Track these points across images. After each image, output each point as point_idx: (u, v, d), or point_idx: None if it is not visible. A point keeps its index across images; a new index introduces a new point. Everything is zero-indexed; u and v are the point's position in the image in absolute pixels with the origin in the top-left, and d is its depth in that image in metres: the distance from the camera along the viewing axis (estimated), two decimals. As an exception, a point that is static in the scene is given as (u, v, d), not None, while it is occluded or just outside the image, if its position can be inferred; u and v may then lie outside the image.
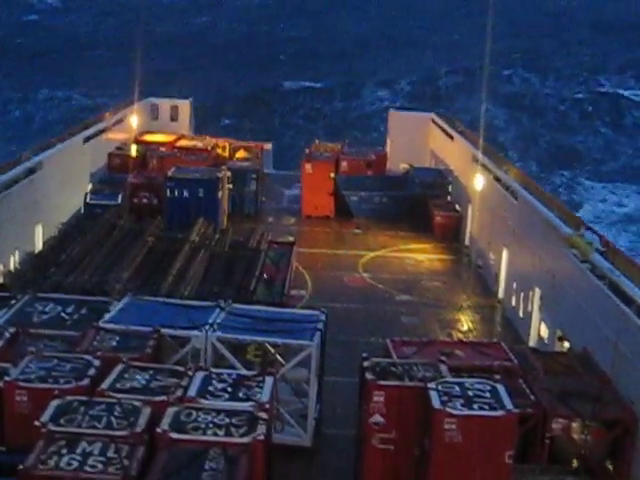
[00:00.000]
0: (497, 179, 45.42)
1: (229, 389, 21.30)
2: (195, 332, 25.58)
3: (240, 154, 64.86)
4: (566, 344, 31.47)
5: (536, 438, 24.34)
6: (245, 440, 18.74)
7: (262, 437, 18.91)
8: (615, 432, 24.63)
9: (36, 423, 18.85)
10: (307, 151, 61.98)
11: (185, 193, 46.51)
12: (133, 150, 61.53)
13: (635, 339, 25.43)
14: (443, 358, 25.07)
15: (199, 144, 65.25)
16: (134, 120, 65.64)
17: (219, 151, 64.51)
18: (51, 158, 45.15)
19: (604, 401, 25.27)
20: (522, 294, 38.18)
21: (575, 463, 23.84)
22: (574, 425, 24.46)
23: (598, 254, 30.35)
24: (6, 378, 21.36)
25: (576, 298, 30.79)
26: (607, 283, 28.27)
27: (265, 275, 36.89)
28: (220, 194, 47.77)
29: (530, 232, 38.09)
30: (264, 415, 19.86)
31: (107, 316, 26.51)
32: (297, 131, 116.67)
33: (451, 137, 60.16)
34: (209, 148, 63.51)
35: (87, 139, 53.88)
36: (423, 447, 21.94)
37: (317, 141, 67.59)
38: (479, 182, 47.22)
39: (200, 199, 46.52)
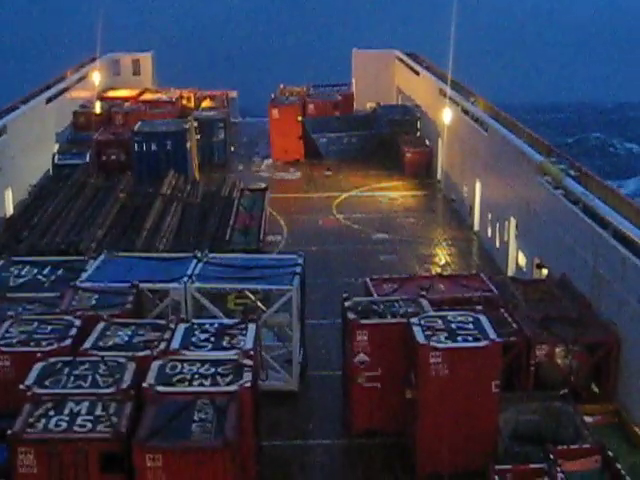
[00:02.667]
0: (465, 112, 45.29)
1: (212, 339, 21.28)
2: (174, 284, 25.48)
3: (206, 104, 64.42)
4: (545, 271, 31.58)
5: (521, 366, 24.49)
6: (232, 388, 18.75)
7: (248, 384, 18.93)
8: (598, 355, 24.80)
9: (21, 387, 18.79)
10: (272, 96, 61.58)
11: (153, 147, 46.24)
12: (97, 107, 61.00)
13: (612, 261, 25.51)
14: (424, 293, 25.15)
15: (163, 96, 64.75)
16: (96, 77, 64.93)
17: (184, 102, 64.05)
18: (15, 121, 44.61)
19: (586, 325, 25.45)
20: (498, 224, 38.23)
21: (560, 388, 23.98)
22: (557, 350, 24.62)
23: (570, 179, 30.34)
24: (-13, 344, 21.27)
25: (552, 224, 30.83)
26: (581, 207, 28.31)
27: (240, 223, 36.77)
28: (188, 145, 47.49)
29: (502, 162, 38.06)
30: (249, 362, 19.86)
31: (84, 275, 26.36)
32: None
33: (417, 73, 59.89)
34: (174, 100, 63.04)
35: (50, 99, 53.22)
36: (410, 383, 22.02)
37: (282, 85, 67.12)
38: (447, 116, 47.11)
39: (168, 151, 46.28)
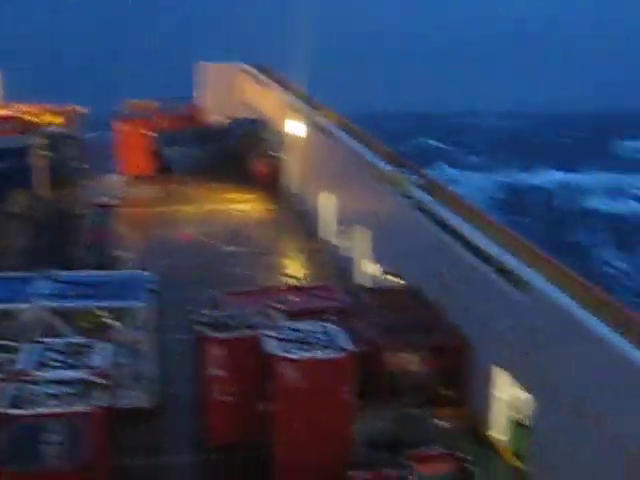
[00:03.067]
0: (314, 124, 45.63)
1: (64, 358, 20.92)
2: (22, 305, 24.94)
3: (54, 119, 63.19)
4: (395, 279, 32.03)
5: (374, 374, 24.78)
6: (85, 408, 18.48)
7: (102, 403, 18.69)
8: (449, 360, 25.30)
9: None
10: (121, 111, 60.89)
11: (-2, 164, 45.22)
12: (-61, 126, 59.22)
13: (460, 269, 26.11)
14: (276, 305, 25.22)
15: (9, 112, 63.26)
16: (-64, 93, 63.17)
17: (31, 118, 62.70)
18: None
19: (436, 331, 25.96)
20: (348, 235, 38.60)
21: (413, 394, 24.39)
22: (409, 358, 25.01)
23: (418, 188, 30.89)
24: None
25: (401, 234, 31.34)
26: (429, 216, 28.85)
27: (90, 239, 36.24)
28: (34, 161, 46.54)
29: (351, 173, 38.46)
30: (102, 381, 19.61)
31: None
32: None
33: (265, 85, 60.09)
34: (21, 115, 61.63)
35: None
36: (266, 395, 22.07)
37: (129, 100, 66.39)
38: (296, 128, 47.39)
39: (15, 169, 45.28)
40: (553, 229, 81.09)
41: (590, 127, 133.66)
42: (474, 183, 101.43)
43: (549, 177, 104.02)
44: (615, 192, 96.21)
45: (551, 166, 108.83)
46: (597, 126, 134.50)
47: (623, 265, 75.33)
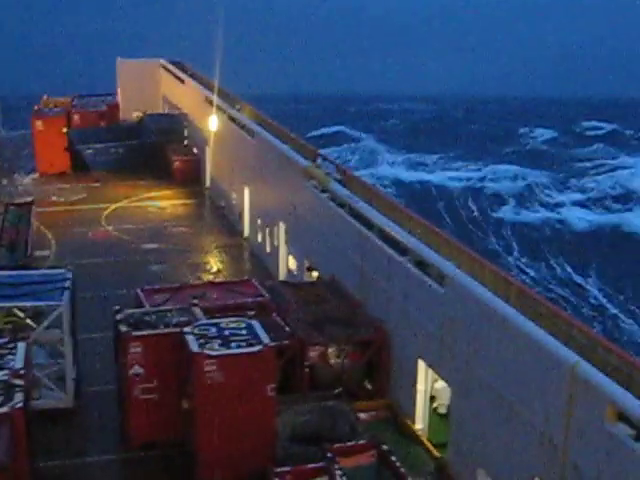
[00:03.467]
0: (232, 119, 45.57)
1: (-20, 360, 20.64)
2: (-62, 306, 24.54)
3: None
4: (315, 274, 32.17)
5: (295, 368, 24.89)
6: (3, 410, 18.25)
7: (20, 405, 18.47)
8: (369, 352, 25.49)
9: None
10: (36, 107, 60.22)
11: None
12: None
13: (378, 261, 26.28)
14: (196, 301, 25.18)
15: None
16: None
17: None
18: None
19: (356, 324, 26.11)
20: (267, 230, 38.66)
21: (335, 387, 24.52)
22: (330, 351, 25.16)
23: (336, 183, 31.01)
24: None
25: (320, 228, 31.44)
26: (347, 210, 28.99)
27: (5, 238, 35.79)
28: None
29: (269, 168, 38.50)
30: (20, 382, 19.38)
31: None
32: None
33: (182, 81, 59.84)
34: None
35: None
36: (187, 392, 22.02)
37: (45, 96, 65.69)
38: (214, 123, 47.29)
39: None
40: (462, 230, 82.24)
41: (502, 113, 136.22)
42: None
43: (456, 173, 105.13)
44: (523, 197, 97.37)
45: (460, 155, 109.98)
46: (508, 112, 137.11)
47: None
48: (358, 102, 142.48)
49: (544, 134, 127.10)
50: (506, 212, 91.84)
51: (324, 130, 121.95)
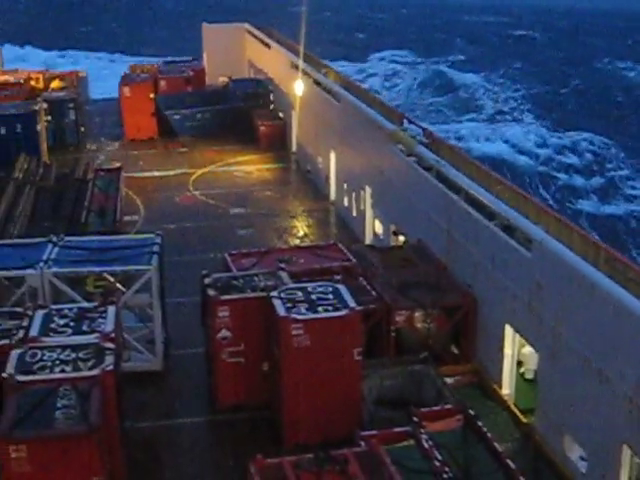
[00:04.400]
0: (317, 83, 45.50)
1: (72, 324, 21.02)
2: (29, 270, 24.97)
3: (55, 84, 63.06)
4: (401, 238, 32.08)
5: (382, 332, 24.90)
6: (94, 373, 18.59)
7: (111, 367, 18.79)
8: (456, 317, 25.39)
9: None
10: (123, 74, 60.80)
11: (2, 130, 45.26)
12: (-59, 92, 59.15)
13: (465, 225, 26.12)
14: (282, 265, 25.27)
15: (11, 78, 63.12)
16: (-62, 60, 63.07)
17: (33, 83, 62.62)
18: None
19: (443, 289, 26.00)
20: (354, 194, 38.62)
21: (421, 352, 24.49)
22: (417, 315, 25.12)
23: (422, 146, 30.84)
24: None
25: (406, 192, 31.31)
26: (434, 174, 28.82)
27: (95, 204, 36.28)
28: (39, 127, 46.59)
29: (355, 132, 38.40)
30: (110, 345, 19.70)
31: None
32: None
33: (268, 46, 59.85)
34: (22, 81, 61.56)
35: None
36: (274, 355, 22.18)
37: (133, 63, 66.37)
38: (300, 88, 47.25)
39: (18, 134, 45.39)
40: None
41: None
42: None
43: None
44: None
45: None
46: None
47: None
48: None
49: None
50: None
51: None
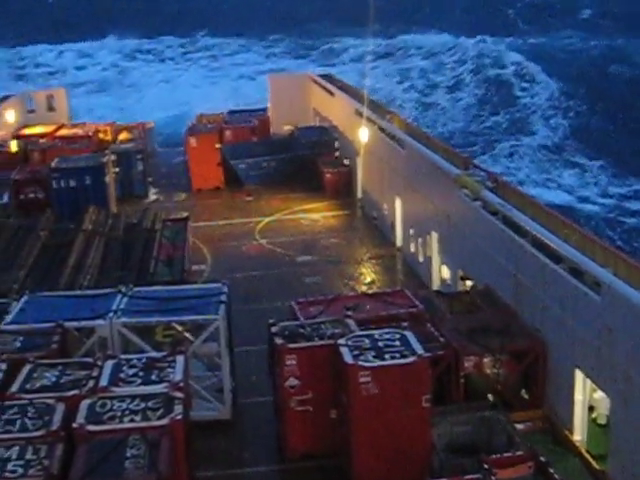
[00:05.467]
0: (382, 130, 45.63)
1: (141, 373, 21.16)
2: (99, 321, 25.26)
3: (123, 136, 64.08)
4: (468, 283, 31.91)
5: (450, 378, 24.72)
6: (163, 422, 18.66)
7: (180, 417, 18.85)
8: (525, 362, 25.14)
9: (-52, 434, 18.52)
10: (189, 124, 61.56)
11: (72, 182, 45.91)
12: (13, 146, 60.32)
13: (533, 269, 25.93)
14: (349, 313, 25.24)
15: (80, 131, 64.24)
16: (10, 115, 64.28)
17: (101, 135, 63.64)
18: None
19: (512, 333, 25.78)
20: (420, 239, 38.54)
21: (491, 398, 24.28)
22: (485, 361, 24.90)
23: (488, 191, 30.74)
24: None
25: (473, 237, 31.20)
26: (500, 218, 28.70)
27: (163, 254, 36.61)
28: (107, 179, 47.21)
29: (420, 178, 38.40)
30: (179, 394, 19.79)
31: (7, 318, 25.97)
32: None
33: (332, 94, 60.21)
34: (91, 134, 62.59)
35: None
36: (341, 403, 22.12)
37: (199, 113, 67.16)
38: (364, 134, 47.42)
39: (87, 186, 45.97)
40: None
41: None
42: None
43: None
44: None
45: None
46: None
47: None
48: None
49: None
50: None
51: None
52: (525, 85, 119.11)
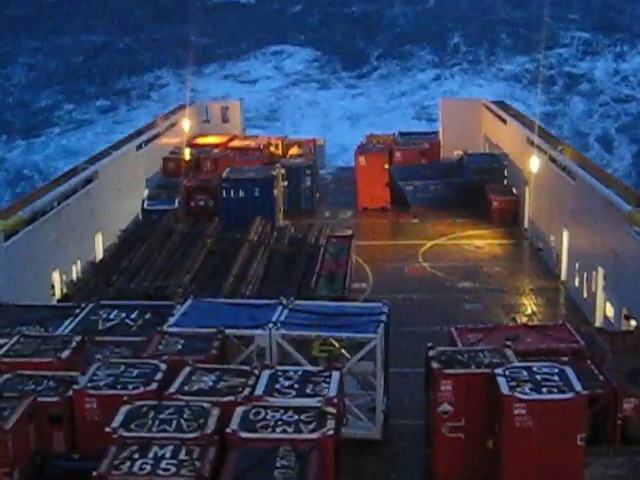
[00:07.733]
0: (553, 160, 44.99)
1: (296, 386, 21.33)
2: (259, 331, 25.63)
3: (293, 151, 64.97)
4: (633, 322, 31.14)
5: (607, 419, 24.08)
6: (315, 436, 18.75)
7: (331, 432, 18.90)
8: (687, 407, 24.34)
9: (107, 429, 19.02)
10: (360, 143, 61.98)
11: (241, 193, 46.73)
12: (187, 154, 61.91)
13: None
14: (509, 343, 24.92)
15: (252, 144, 65.47)
16: (186, 124, 65.94)
17: (272, 149, 64.67)
18: (106, 167, 45.57)
19: (675, 378, 25.00)
20: (585, 274, 37.82)
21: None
22: (645, 404, 24.20)
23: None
24: (75, 387, 21.58)
25: (640, 275, 30.47)
26: None
27: (325, 270, 36.92)
28: (275, 192, 47.89)
29: (590, 211, 37.70)
30: (332, 410, 19.86)
31: (171, 320, 26.61)
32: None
33: (504, 121, 59.72)
34: (262, 147, 63.70)
35: (140, 146, 54.22)
36: (494, 433, 21.85)
37: (369, 133, 67.52)
38: (535, 164, 46.83)
39: (256, 198, 46.71)
40: None
41: None
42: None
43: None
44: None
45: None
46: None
47: None
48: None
49: None
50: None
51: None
52: None
